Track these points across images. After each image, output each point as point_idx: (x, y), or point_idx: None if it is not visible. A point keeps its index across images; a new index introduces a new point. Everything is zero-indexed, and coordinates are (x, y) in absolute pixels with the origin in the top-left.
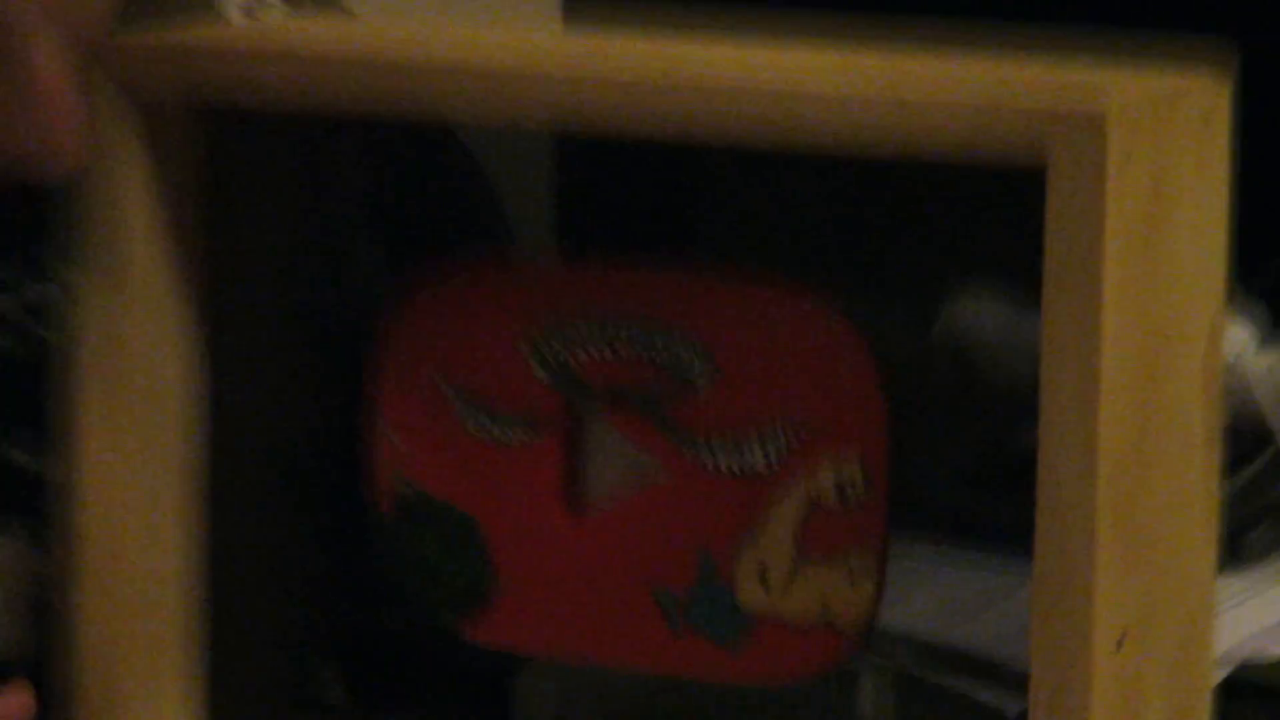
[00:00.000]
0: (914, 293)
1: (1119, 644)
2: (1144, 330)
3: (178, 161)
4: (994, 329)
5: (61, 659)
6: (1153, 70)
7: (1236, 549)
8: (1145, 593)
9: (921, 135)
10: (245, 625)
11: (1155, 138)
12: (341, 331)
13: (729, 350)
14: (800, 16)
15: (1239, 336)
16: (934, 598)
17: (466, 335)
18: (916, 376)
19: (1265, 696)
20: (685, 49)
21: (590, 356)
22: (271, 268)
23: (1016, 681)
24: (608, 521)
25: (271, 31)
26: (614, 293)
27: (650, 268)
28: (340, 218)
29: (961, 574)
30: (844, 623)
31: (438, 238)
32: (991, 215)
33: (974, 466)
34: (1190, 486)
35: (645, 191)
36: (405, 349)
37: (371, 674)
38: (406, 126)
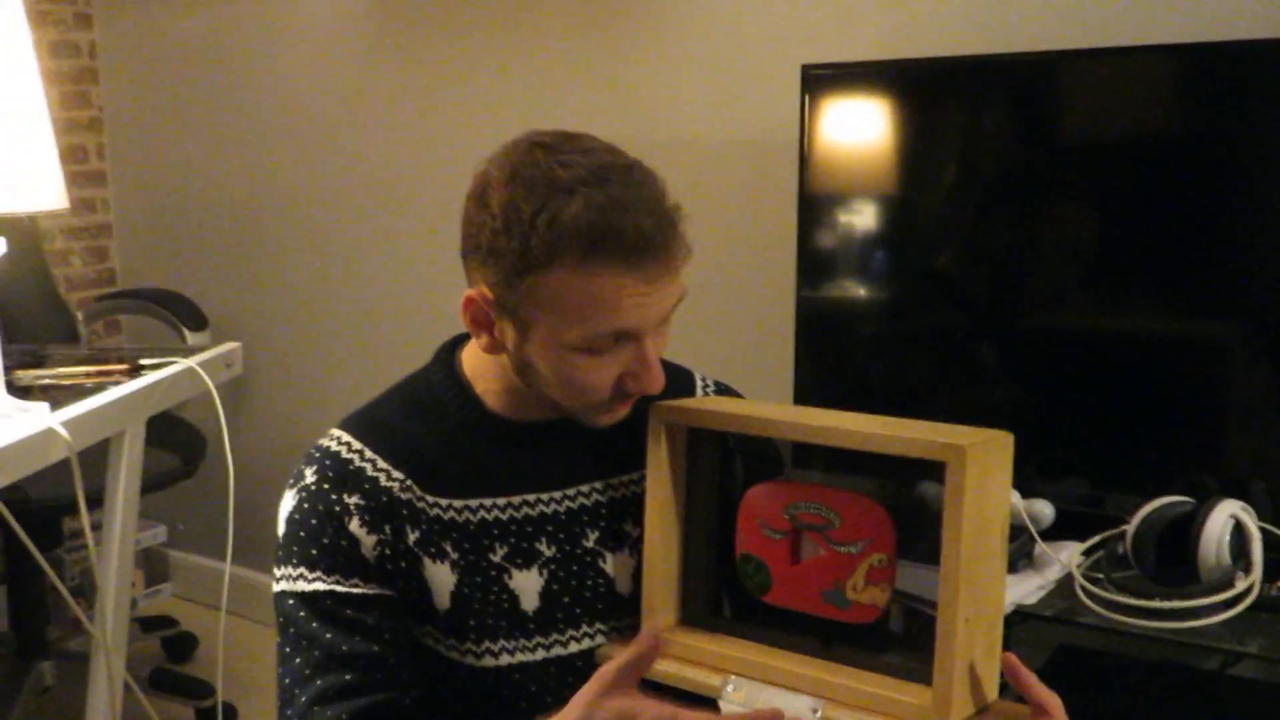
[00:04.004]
0: (910, 482)
1: (966, 620)
2: (978, 519)
3: (676, 446)
4: (931, 496)
5: None
6: (982, 433)
7: None
8: (977, 602)
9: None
10: None
11: (983, 458)
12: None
13: (844, 514)
14: None
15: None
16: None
17: (767, 506)
18: (910, 517)
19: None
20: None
21: (802, 513)
22: (706, 495)
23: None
24: (806, 566)
25: (711, 399)
26: (804, 492)
27: (818, 485)
28: (723, 471)
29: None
30: (880, 604)
31: (761, 474)
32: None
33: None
34: (994, 568)
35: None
36: (751, 508)
37: None
38: (753, 439)
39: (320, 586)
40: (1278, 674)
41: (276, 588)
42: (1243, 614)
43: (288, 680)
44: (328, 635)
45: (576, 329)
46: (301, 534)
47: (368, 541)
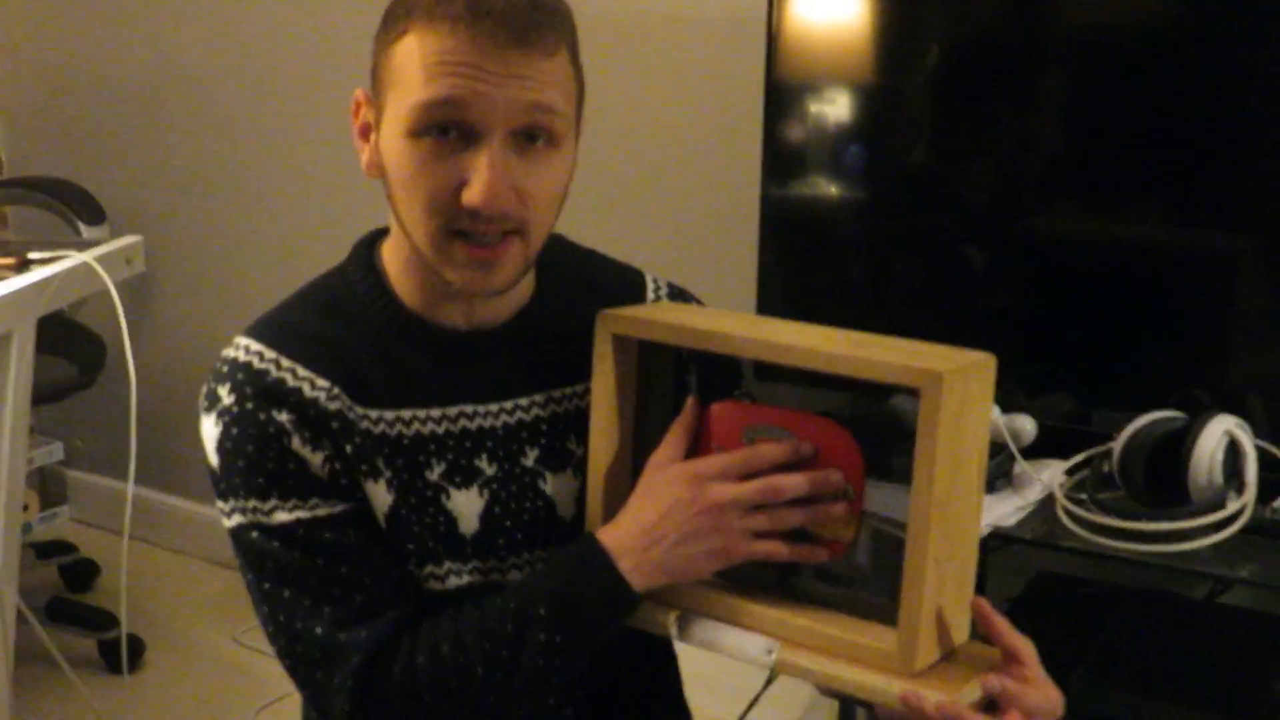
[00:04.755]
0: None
1: (936, 562)
2: (953, 452)
3: (626, 358)
4: (906, 411)
5: None
6: (962, 355)
7: None
8: (949, 543)
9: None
10: None
11: (961, 385)
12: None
13: (808, 440)
14: None
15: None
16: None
17: (724, 429)
18: (883, 434)
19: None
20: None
21: (761, 439)
22: (657, 413)
23: None
24: None
25: (666, 306)
26: (765, 414)
27: (780, 408)
28: (676, 385)
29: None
30: (845, 539)
31: (717, 385)
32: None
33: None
34: (969, 504)
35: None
36: (706, 430)
37: None
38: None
39: (284, 517)
40: (1270, 601)
41: (229, 523)
42: (1234, 537)
43: (283, 617)
44: (318, 562)
45: (408, 100)
46: (241, 464)
47: (315, 460)
